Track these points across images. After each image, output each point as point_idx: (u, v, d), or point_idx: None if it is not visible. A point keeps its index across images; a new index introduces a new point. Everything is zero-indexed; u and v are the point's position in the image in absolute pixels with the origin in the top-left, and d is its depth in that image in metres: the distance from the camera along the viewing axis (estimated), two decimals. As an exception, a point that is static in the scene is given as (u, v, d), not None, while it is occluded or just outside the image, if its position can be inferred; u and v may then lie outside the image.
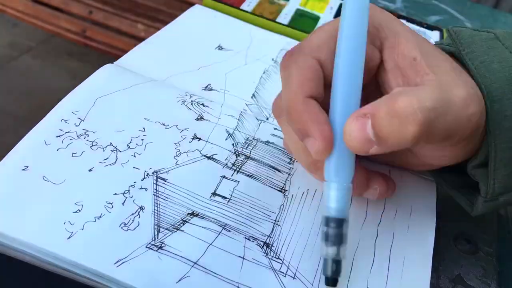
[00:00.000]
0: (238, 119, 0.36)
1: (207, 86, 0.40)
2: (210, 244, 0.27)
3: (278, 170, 0.33)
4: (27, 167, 0.29)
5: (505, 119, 0.24)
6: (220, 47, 0.45)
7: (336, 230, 0.25)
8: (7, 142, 0.30)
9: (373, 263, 0.28)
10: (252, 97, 0.40)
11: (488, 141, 0.25)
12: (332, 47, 0.26)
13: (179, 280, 0.25)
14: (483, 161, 0.26)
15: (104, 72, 0.37)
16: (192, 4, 0.51)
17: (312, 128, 0.24)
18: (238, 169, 0.32)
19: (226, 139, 0.34)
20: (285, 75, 0.26)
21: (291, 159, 0.34)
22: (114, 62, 0.39)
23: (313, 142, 0.24)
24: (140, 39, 0.43)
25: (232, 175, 0.32)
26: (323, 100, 0.26)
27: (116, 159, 0.31)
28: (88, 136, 0.32)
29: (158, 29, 0.45)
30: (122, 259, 0.25)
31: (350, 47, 0.25)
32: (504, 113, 0.24)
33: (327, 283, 0.26)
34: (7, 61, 1.38)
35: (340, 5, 0.56)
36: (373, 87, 0.28)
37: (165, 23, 0.47)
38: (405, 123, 0.21)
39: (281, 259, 0.28)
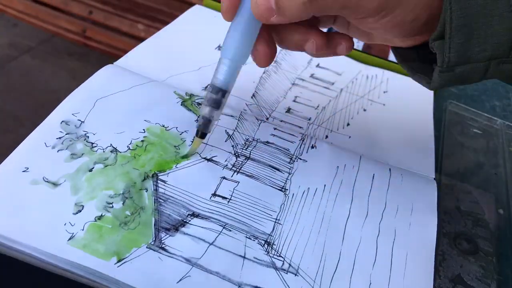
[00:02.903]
0: (238, 119, 0.36)
1: (207, 86, 0.40)
2: (211, 244, 0.27)
3: (279, 170, 0.33)
4: (28, 168, 0.29)
5: None
6: (220, 47, 0.45)
7: (215, 96, 0.30)
8: (7, 142, 0.30)
9: (375, 259, 0.29)
10: (252, 97, 0.40)
11: (444, 7, 0.25)
12: None
13: (180, 280, 0.25)
14: (441, 33, 0.26)
15: (104, 73, 0.37)
16: (192, 4, 0.51)
17: None
18: (238, 170, 0.32)
19: (225, 141, 0.34)
20: None
21: (291, 158, 0.34)
22: (114, 63, 0.39)
23: (222, 1, 0.28)
24: (140, 39, 0.43)
25: (232, 176, 0.32)
26: None
27: (116, 160, 0.31)
28: (88, 137, 0.32)
29: (158, 29, 0.45)
30: (122, 259, 0.25)
31: None
32: None
33: (196, 134, 0.31)
34: (7, 61, 1.37)
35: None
36: None
37: (165, 23, 0.47)
38: None
39: (282, 257, 0.28)
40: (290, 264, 0.27)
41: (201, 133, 0.31)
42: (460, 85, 0.30)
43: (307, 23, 0.29)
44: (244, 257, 0.27)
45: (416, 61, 0.30)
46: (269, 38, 0.29)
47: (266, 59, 0.30)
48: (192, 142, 0.32)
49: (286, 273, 0.27)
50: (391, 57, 0.49)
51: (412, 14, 0.26)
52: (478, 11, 0.25)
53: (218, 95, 0.30)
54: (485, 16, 0.25)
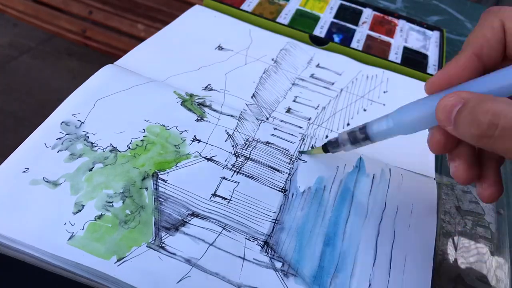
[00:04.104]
0: (238, 119, 0.36)
1: (207, 86, 0.40)
2: (211, 245, 0.27)
3: (278, 171, 0.33)
4: (28, 169, 0.29)
5: None
6: (220, 47, 0.45)
7: (359, 136, 0.30)
8: (7, 142, 0.30)
9: (375, 260, 0.29)
10: (252, 97, 0.40)
11: None
12: None
13: (180, 280, 0.25)
14: None
15: (104, 73, 0.37)
16: (192, 4, 0.51)
17: (451, 63, 0.26)
18: (238, 170, 0.32)
19: (225, 140, 0.34)
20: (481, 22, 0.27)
21: (291, 159, 0.34)
22: (114, 63, 0.39)
23: (437, 73, 0.27)
24: (140, 39, 0.43)
25: (232, 176, 0.32)
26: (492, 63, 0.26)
27: (116, 160, 0.31)
28: (88, 137, 0.32)
29: (158, 29, 0.45)
30: (122, 258, 0.25)
31: None
32: None
33: (323, 147, 0.32)
34: (7, 61, 1.37)
35: (340, 5, 0.56)
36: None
37: (165, 23, 0.47)
38: (472, 123, 0.23)
39: (282, 258, 0.28)
40: (289, 265, 0.27)
41: (325, 148, 0.32)
42: None
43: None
44: (243, 258, 0.27)
45: None
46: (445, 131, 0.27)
47: (438, 147, 0.28)
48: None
49: (286, 274, 0.27)
50: (391, 57, 0.49)
51: None
52: None
53: (362, 139, 0.30)
54: None
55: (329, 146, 0.32)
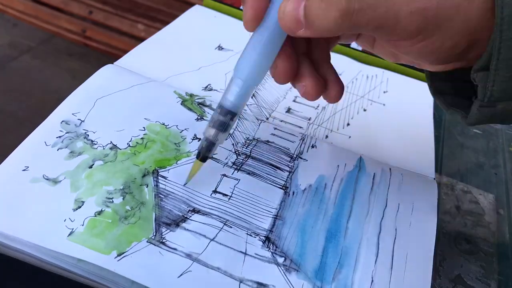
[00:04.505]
0: (238, 119, 0.36)
1: (207, 86, 0.40)
2: (212, 240, 0.27)
3: (279, 168, 0.33)
4: (28, 167, 0.29)
5: None
6: (220, 47, 0.45)
7: (223, 119, 0.27)
8: (7, 142, 0.30)
9: (377, 257, 0.29)
10: (252, 97, 0.40)
11: (493, 36, 0.23)
12: None
13: (181, 274, 0.25)
14: (486, 64, 0.24)
15: (104, 73, 0.37)
16: (192, 4, 0.51)
17: (246, 4, 0.26)
18: (238, 167, 0.32)
19: (226, 139, 0.34)
20: None
21: (291, 157, 0.34)
22: (114, 63, 0.39)
23: (245, 9, 0.26)
24: (140, 39, 0.43)
25: (232, 174, 0.32)
26: None
27: (116, 157, 0.31)
28: (88, 136, 0.32)
29: (158, 29, 0.45)
30: (123, 253, 0.25)
31: None
32: None
33: (197, 157, 0.28)
34: (7, 61, 1.37)
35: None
36: None
37: (165, 23, 0.47)
38: (329, 8, 0.23)
39: (284, 253, 0.28)
40: (291, 260, 0.27)
41: (203, 156, 0.28)
42: (500, 123, 0.28)
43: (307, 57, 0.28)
44: (245, 253, 0.27)
45: (451, 95, 0.28)
46: (291, 52, 0.27)
47: (286, 76, 0.27)
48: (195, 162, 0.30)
49: (288, 269, 0.27)
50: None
51: (451, 41, 0.24)
52: None
53: (227, 117, 0.27)
54: None
55: (205, 152, 0.28)
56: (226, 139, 0.32)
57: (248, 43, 0.27)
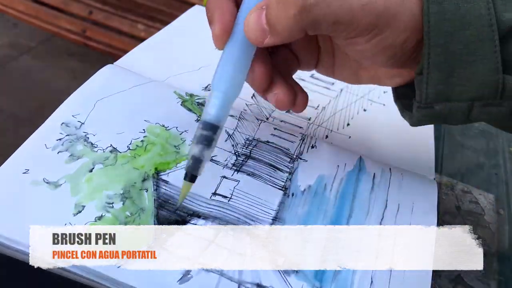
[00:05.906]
0: (238, 119, 0.36)
1: (207, 86, 0.40)
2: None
3: (279, 169, 0.33)
4: (28, 170, 0.29)
5: (444, 22, 0.24)
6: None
7: (207, 133, 0.27)
8: (7, 142, 0.30)
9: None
10: (252, 97, 0.40)
11: (424, 40, 0.24)
12: None
13: (181, 278, 0.25)
14: (422, 67, 0.25)
15: (104, 73, 0.37)
16: (192, 5, 0.51)
17: (216, 14, 0.27)
18: (238, 168, 0.32)
19: (226, 140, 0.34)
20: None
21: (291, 158, 0.34)
22: (114, 63, 0.39)
23: (213, 27, 0.27)
24: (140, 39, 0.43)
25: (232, 175, 0.32)
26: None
27: (116, 160, 0.31)
28: (88, 138, 0.32)
29: (158, 29, 0.45)
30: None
31: None
32: (444, 16, 0.23)
33: (185, 177, 0.27)
34: (7, 61, 1.37)
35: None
36: None
37: (165, 23, 0.47)
38: (287, 7, 0.24)
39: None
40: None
41: (191, 176, 0.27)
42: (443, 124, 0.29)
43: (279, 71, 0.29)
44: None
45: (406, 99, 0.29)
46: (264, 60, 0.29)
47: (262, 82, 0.29)
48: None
49: (287, 271, 0.27)
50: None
51: (402, 37, 0.25)
52: (460, 49, 0.24)
53: (210, 132, 0.27)
54: (467, 54, 0.24)
55: (192, 171, 0.27)
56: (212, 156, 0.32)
57: (221, 58, 0.27)
